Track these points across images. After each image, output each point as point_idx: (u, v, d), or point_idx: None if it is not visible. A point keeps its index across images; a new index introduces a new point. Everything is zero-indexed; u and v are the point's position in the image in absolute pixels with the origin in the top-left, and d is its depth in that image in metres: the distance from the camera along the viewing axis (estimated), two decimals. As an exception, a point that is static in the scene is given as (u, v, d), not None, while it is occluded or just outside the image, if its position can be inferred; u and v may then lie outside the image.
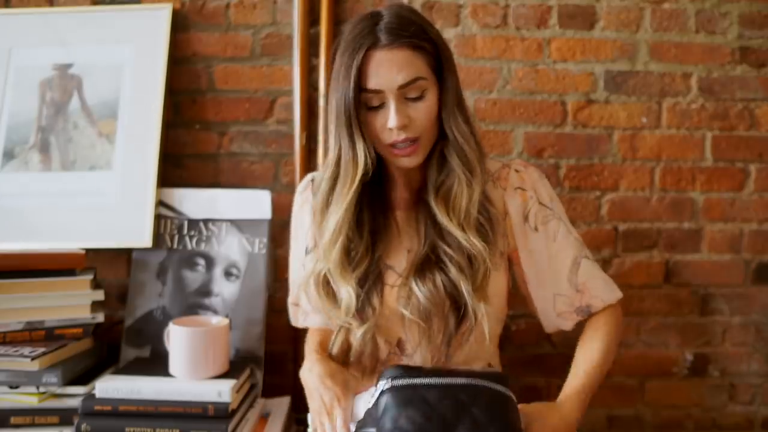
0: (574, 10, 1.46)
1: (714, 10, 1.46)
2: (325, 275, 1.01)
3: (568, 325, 1.05)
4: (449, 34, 1.45)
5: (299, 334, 1.28)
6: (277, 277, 1.43)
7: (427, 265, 0.98)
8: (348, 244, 0.98)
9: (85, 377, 1.19)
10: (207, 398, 1.08)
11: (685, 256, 1.49)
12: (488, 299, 0.98)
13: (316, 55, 1.44)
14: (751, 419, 1.52)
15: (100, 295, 1.25)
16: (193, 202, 1.39)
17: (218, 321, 1.22)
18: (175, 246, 1.37)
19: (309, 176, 1.16)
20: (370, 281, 1.00)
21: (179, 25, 1.45)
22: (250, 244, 1.36)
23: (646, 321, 1.49)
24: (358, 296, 0.97)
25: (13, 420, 1.12)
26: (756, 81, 1.47)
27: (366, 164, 0.94)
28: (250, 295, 1.33)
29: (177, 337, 1.14)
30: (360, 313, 0.98)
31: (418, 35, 0.94)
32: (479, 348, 1.03)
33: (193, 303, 1.33)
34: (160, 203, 1.38)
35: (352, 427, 0.93)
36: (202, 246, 1.37)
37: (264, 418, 1.22)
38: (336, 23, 1.43)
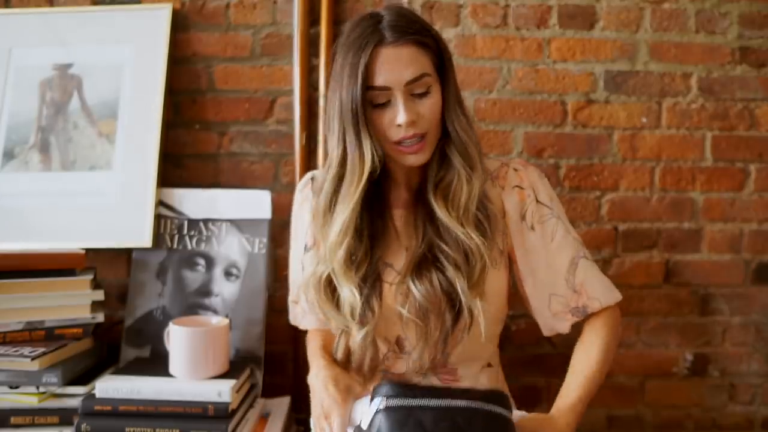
0: (574, 10, 1.46)
1: (714, 10, 1.46)
2: (328, 277, 1.00)
3: (564, 326, 1.04)
4: (449, 34, 1.45)
5: (299, 334, 1.28)
6: (277, 276, 1.43)
7: (424, 263, 0.99)
8: (352, 244, 0.98)
9: (85, 377, 1.19)
10: (207, 398, 1.08)
11: (685, 256, 1.49)
12: (484, 295, 0.98)
13: (316, 55, 1.44)
14: (751, 419, 1.52)
15: (100, 295, 1.25)
16: (193, 202, 1.39)
17: (218, 321, 1.22)
18: (175, 246, 1.37)
19: (309, 174, 1.16)
20: (369, 283, 0.99)
21: (179, 25, 1.45)
22: (250, 244, 1.36)
23: (646, 321, 1.49)
24: (361, 296, 0.97)
25: (13, 420, 1.12)
26: (756, 81, 1.47)
27: (374, 162, 0.94)
28: (250, 295, 1.33)
29: (177, 337, 1.14)
30: (360, 316, 0.98)
31: (421, 32, 0.95)
32: (477, 346, 1.03)
33: (193, 303, 1.33)
34: (160, 203, 1.38)
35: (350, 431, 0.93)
36: (202, 246, 1.37)
37: (264, 418, 1.22)
38: (336, 23, 1.43)
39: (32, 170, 1.40)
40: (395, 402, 0.83)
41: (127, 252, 1.40)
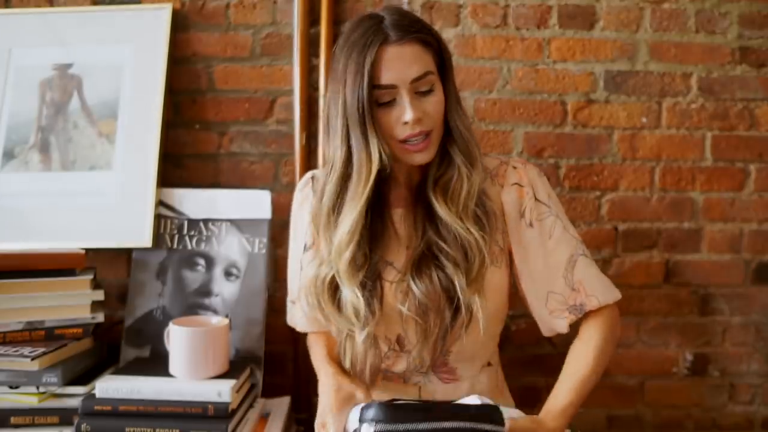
0: (574, 10, 1.46)
1: (714, 10, 1.46)
2: (332, 279, 1.00)
3: (562, 325, 1.03)
4: (449, 34, 1.45)
5: (299, 335, 1.28)
6: (276, 277, 1.44)
7: (424, 261, 0.99)
8: (358, 245, 0.98)
9: (85, 377, 1.19)
10: (207, 398, 1.08)
11: (685, 256, 1.49)
12: (483, 292, 0.98)
13: (316, 55, 1.44)
14: (751, 419, 1.52)
15: (100, 295, 1.25)
16: (193, 202, 1.39)
17: (218, 321, 1.22)
18: (175, 246, 1.37)
19: (309, 174, 1.16)
20: (370, 283, 0.99)
21: (179, 25, 1.45)
22: (250, 244, 1.36)
23: (646, 321, 1.49)
24: (363, 297, 0.97)
25: (13, 420, 1.11)
26: (756, 81, 1.47)
27: (382, 161, 0.94)
28: (250, 295, 1.33)
29: (177, 337, 1.14)
30: (364, 317, 0.98)
31: (423, 31, 0.96)
32: (476, 344, 1.03)
33: (193, 303, 1.33)
34: (160, 203, 1.38)
35: None
36: (202, 246, 1.37)
37: (264, 418, 1.22)
38: (336, 23, 1.43)
39: (32, 170, 1.40)
40: (383, 427, 0.83)
41: (127, 252, 1.40)
